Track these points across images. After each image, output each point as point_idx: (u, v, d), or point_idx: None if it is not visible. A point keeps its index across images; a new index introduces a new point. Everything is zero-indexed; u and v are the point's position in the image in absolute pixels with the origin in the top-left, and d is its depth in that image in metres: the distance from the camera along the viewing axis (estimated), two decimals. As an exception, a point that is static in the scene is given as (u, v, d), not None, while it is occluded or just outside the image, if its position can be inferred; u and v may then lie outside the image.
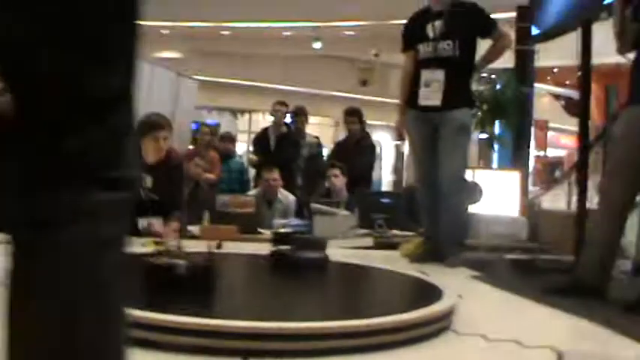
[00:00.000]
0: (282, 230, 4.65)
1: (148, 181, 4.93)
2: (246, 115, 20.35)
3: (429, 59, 4.80)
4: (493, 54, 4.98)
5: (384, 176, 20.26)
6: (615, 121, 4.27)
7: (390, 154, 20.76)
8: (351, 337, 2.32)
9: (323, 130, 17.82)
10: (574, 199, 4.72)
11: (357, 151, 7.73)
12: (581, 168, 4.85)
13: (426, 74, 4.78)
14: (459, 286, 3.54)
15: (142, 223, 4.85)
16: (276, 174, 6.79)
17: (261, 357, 2.17)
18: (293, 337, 2.23)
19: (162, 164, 4.94)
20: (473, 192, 6.23)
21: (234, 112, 20.43)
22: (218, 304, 2.80)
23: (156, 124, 4.90)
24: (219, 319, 2.29)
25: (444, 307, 2.72)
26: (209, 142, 7.99)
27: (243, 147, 15.09)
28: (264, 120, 8.57)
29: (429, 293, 3.01)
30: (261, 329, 2.22)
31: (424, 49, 4.83)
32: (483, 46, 5.01)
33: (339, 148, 8.30)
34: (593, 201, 4.13)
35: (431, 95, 4.74)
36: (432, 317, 2.59)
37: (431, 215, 4.86)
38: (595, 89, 8.35)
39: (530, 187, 11.47)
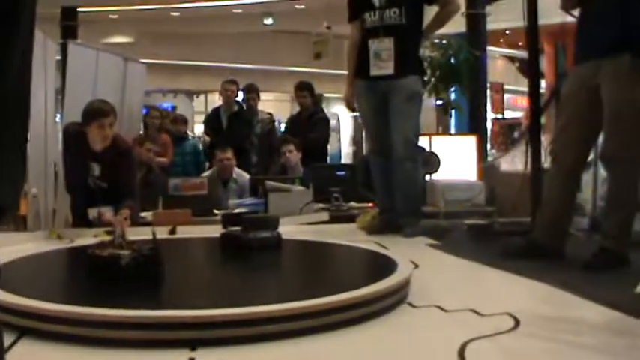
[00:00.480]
0: (232, 211, 4.57)
1: (96, 169, 4.81)
2: (202, 97, 20.19)
3: (376, 28, 4.72)
4: (441, 20, 4.90)
5: (344, 149, 20.26)
6: (564, 79, 4.23)
7: (348, 126, 20.75)
8: (302, 318, 2.25)
9: (279, 106, 17.74)
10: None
11: (310, 126, 7.65)
12: (532, 130, 4.82)
13: (374, 44, 4.71)
14: (416, 256, 3.49)
15: (93, 213, 4.73)
16: (229, 153, 6.71)
17: (210, 346, 2.09)
18: (241, 323, 2.15)
19: (109, 151, 4.80)
20: (430, 162, 6.20)
21: (190, 94, 20.26)
22: (164, 293, 2.72)
23: (100, 111, 4.77)
24: (162, 310, 2.21)
25: (398, 280, 2.66)
26: (160, 125, 7.87)
27: (201, 128, 14.97)
28: (220, 100, 8.44)
29: (383, 266, 2.96)
30: (206, 317, 2.14)
31: (371, 19, 4.74)
32: (431, 13, 4.94)
33: (292, 123, 8.23)
34: (548, 161, 4.10)
35: (383, 64, 4.68)
36: (386, 291, 2.53)
37: (385, 186, 4.81)
38: (547, 48, 8.33)
39: (491, 151, 11.53)
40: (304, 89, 7.86)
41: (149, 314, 2.15)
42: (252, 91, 8.19)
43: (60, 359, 2.06)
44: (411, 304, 2.65)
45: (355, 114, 5.84)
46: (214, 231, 3.92)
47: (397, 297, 2.61)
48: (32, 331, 2.18)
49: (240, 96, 8.28)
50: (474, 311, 2.50)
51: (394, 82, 4.65)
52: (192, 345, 2.08)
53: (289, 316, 2.21)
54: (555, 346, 2.15)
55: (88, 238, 4.45)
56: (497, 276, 3.33)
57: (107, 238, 4.26)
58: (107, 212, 4.71)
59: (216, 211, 5.64)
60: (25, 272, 2.98)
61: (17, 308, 2.20)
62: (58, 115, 7.30)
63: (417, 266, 3.26)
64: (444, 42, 9.25)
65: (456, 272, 3.58)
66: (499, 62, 18.48)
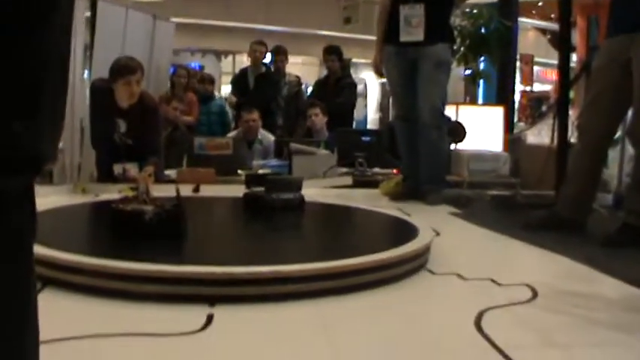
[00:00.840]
0: (255, 172, 4.57)
1: (122, 125, 4.84)
2: (230, 57, 20.12)
3: None
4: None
5: (370, 114, 20.17)
6: (595, 53, 4.18)
7: (375, 92, 20.64)
8: (324, 279, 2.27)
9: (308, 70, 17.67)
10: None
11: (337, 90, 7.62)
12: (560, 103, 4.78)
13: (405, 10, 4.66)
14: (438, 224, 3.50)
15: (117, 169, 4.77)
16: (255, 115, 6.70)
17: (229, 302, 2.11)
18: (260, 282, 2.18)
19: (135, 108, 4.83)
20: (455, 131, 6.17)
21: (218, 54, 20.20)
22: (185, 250, 2.74)
23: (127, 68, 4.78)
24: (182, 266, 2.23)
25: (418, 246, 2.67)
26: (187, 84, 7.87)
27: (228, 89, 14.96)
28: (248, 61, 8.41)
29: (404, 232, 2.96)
30: (226, 274, 2.16)
31: None
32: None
33: (319, 87, 8.18)
34: (574, 135, 4.06)
35: (412, 31, 4.64)
36: (406, 257, 2.54)
37: (410, 152, 4.79)
38: (579, 22, 8.22)
39: (518, 123, 11.45)
40: (333, 53, 7.82)
41: (169, 269, 2.17)
42: (280, 53, 8.15)
43: (81, 310, 2.09)
44: (430, 271, 2.67)
45: (383, 80, 5.79)
46: (237, 191, 3.94)
47: (417, 263, 2.63)
48: (55, 281, 2.21)
49: (269, 58, 8.25)
50: (493, 281, 2.50)
51: (423, 48, 4.61)
52: (211, 301, 2.10)
53: (308, 277, 2.23)
54: (571, 319, 2.14)
55: (112, 193, 4.49)
56: (517, 247, 3.33)
57: (131, 193, 4.32)
58: (132, 169, 4.75)
59: (240, 172, 5.66)
60: (50, 224, 3.00)
61: (41, 259, 2.23)
62: (86, 72, 7.33)
63: (438, 234, 3.27)
64: (475, 11, 9.13)
65: (477, 241, 3.57)
66: (530, 34, 18.24)
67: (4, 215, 0.77)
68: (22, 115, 0.76)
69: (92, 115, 5.20)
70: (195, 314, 2.00)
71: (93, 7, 6.75)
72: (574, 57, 6.03)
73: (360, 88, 12.81)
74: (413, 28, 4.64)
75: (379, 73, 5.04)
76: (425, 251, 2.73)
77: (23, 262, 0.83)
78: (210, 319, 1.98)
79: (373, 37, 4.99)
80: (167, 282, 2.15)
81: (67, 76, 0.88)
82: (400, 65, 4.75)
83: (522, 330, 2.01)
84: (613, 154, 4.66)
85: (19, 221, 0.81)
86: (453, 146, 6.21)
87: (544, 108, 14.58)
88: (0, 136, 0.74)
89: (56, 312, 1.96)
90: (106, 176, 4.93)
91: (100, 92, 4.93)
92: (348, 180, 5.46)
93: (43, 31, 0.78)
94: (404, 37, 4.67)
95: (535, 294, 2.33)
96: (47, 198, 4.02)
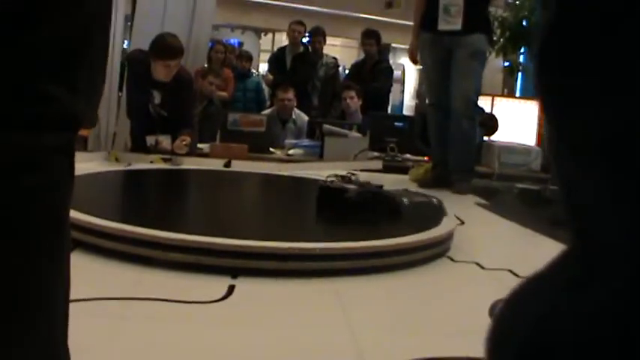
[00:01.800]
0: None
1: (157, 96, 4.90)
2: (270, 35, 20.15)
3: None
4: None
5: (406, 101, 20.11)
6: None
7: (412, 79, 20.58)
8: (347, 258, 2.32)
9: (346, 52, 17.63)
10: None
11: (373, 74, 7.62)
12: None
13: None
14: (463, 213, 3.53)
15: (150, 140, 4.85)
16: (290, 94, 6.73)
17: (251, 275, 2.17)
18: (282, 257, 2.23)
19: (171, 81, 4.88)
20: (487, 124, 6.16)
21: (258, 32, 20.22)
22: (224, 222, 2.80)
23: (169, 52, 4.80)
24: (208, 237, 2.28)
25: (440, 233, 2.71)
26: (224, 59, 7.90)
27: (266, 67, 15.02)
28: (286, 40, 8.43)
29: (429, 218, 2.99)
30: (248, 247, 2.22)
31: None
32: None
33: (356, 70, 8.16)
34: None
35: (451, 20, 4.62)
36: (428, 242, 2.58)
37: (440, 140, 4.80)
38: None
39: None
40: (371, 37, 7.80)
41: (194, 239, 2.23)
42: (318, 35, 8.15)
43: (108, 273, 2.16)
44: (451, 258, 2.70)
45: (420, 67, 5.79)
46: (268, 168, 3.98)
47: (438, 249, 2.66)
48: (83, 244, 2.28)
49: (307, 38, 8.26)
50: (512, 272, 2.52)
51: (460, 38, 4.60)
52: (234, 273, 2.16)
53: (327, 255, 2.28)
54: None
55: (144, 162, 4.59)
56: (541, 241, 3.33)
57: (162, 164, 4.41)
58: (164, 140, 4.82)
59: (272, 150, 5.72)
60: (82, 190, 3.08)
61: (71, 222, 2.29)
62: (126, 42, 7.40)
63: (462, 222, 3.30)
64: (518, 2, 9.08)
65: (500, 233, 3.59)
66: (573, 29, 18.05)
67: (42, 170, 0.82)
68: (62, 80, 0.81)
69: (128, 85, 5.27)
70: (218, 284, 2.06)
71: (135, -23, 6.80)
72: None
73: (397, 73, 12.77)
74: (451, 17, 4.62)
75: (414, 60, 5.05)
76: (448, 238, 2.76)
77: (61, 216, 0.89)
78: (231, 289, 2.04)
79: (413, 23, 4.99)
80: (192, 251, 2.21)
81: (107, 44, 0.93)
82: (436, 53, 4.74)
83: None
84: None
85: (58, 175, 0.86)
86: (485, 137, 6.20)
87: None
88: (39, 95, 0.79)
89: (85, 273, 2.03)
90: (139, 146, 5.01)
91: (137, 63, 4.99)
92: (379, 164, 5.48)
93: (80, 4, 0.83)
94: (442, 26, 4.66)
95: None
96: (82, 164, 4.10)
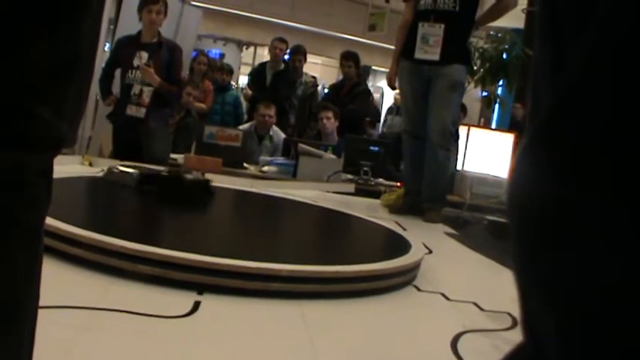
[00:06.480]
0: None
1: (144, 56, 5.26)
2: (252, 49, 20.17)
3: (427, 11, 4.67)
4: (494, 12, 4.84)
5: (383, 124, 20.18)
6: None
7: (391, 102, 20.66)
8: (314, 282, 2.33)
9: (326, 71, 17.71)
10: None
11: (351, 96, 7.65)
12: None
13: (424, 28, 4.68)
14: (431, 242, 3.55)
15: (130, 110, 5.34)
16: (272, 110, 6.75)
17: (216, 293, 2.17)
18: (248, 276, 2.23)
19: (156, 43, 5.34)
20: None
21: (240, 45, 20.24)
22: (184, 237, 2.80)
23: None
24: (174, 251, 2.29)
25: (408, 262, 2.73)
26: (205, 71, 7.92)
27: (246, 80, 15.03)
28: (268, 55, 8.47)
29: (397, 246, 3.02)
30: (213, 265, 2.21)
31: (424, 1, 4.70)
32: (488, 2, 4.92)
33: (334, 91, 8.19)
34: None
35: (428, 49, 4.65)
36: (394, 270, 2.59)
37: (413, 168, 4.83)
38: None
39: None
40: (349, 59, 7.83)
41: (163, 252, 2.23)
42: (299, 53, 8.18)
43: (74, 281, 2.15)
44: (416, 287, 2.71)
45: (398, 92, 5.82)
46: (241, 184, 3.99)
47: (404, 278, 2.68)
48: (51, 250, 2.27)
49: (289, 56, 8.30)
50: (476, 305, 2.55)
51: (439, 68, 4.63)
52: (200, 290, 2.16)
53: (295, 277, 2.29)
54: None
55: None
56: (506, 275, 3.35)
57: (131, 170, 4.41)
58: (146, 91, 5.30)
59: (246, 165, 5.72)
60: (54, 194, 3.06)
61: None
62: (107, 45, 7.39)
63: (430, 252, 3.32)
64: (500, 35, 9.18)
65: (468, 264, 3.62)
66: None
67: (22, 188, 0.83)
68: (48, 101, 0.82)
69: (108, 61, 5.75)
70: (183, 299, 2.07)
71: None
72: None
73: (376, 96, 12.81)
74: (429, 46, 4.65)
75: (392, 86, 5.08)
76: (414, 267, 2.78)
77: (37, 233, 0.89)
78: (197, 305, 2.04)
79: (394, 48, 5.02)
80: (158, 264, 2.20)
81: (94, 61, 0.94)
82: (414, 82, 4.76)
83: (497, 356, 2.05)
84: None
85: (37, 193, 0.87)
86: (459, 167, 6.24)
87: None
88: (25, 117, 0.80)
89: (53, 280, 2.02)
90: (121, 116, 5.41)
91: (125, 40, 5.55)
92: (351, 187, 5.50)
93: (74, 25, 0.84)
94: (419, 55, 4.68)
95: (515, 323, 2.38)
96: (56, 167, 4.07)
